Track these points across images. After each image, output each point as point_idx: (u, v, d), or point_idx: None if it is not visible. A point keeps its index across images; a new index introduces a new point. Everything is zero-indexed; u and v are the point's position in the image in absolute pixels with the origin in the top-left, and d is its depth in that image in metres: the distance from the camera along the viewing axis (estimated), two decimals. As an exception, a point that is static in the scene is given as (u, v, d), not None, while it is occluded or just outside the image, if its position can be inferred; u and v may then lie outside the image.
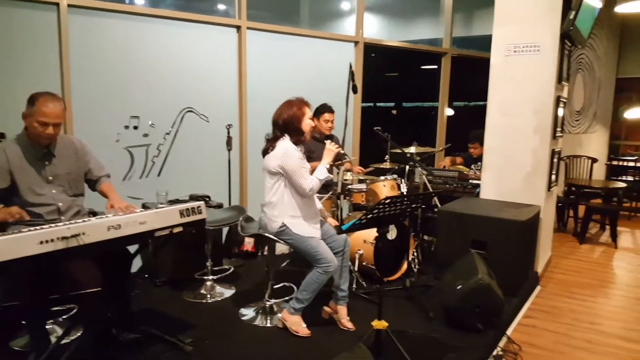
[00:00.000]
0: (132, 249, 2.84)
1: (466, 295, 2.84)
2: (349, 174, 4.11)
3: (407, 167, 4.11)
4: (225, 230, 4.24)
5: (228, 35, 4.31)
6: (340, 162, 3.34)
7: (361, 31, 5.20)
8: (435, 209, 4.02)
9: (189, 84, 4.11)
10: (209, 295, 3.41)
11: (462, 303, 2.85)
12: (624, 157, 7.63)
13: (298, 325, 2.81)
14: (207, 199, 3.91)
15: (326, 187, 3.90)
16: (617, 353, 2.91)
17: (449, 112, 6.35)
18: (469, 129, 4.95)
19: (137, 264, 3.83)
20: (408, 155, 4.06)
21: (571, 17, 3.52)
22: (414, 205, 2.55)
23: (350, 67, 3.50)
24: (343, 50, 5.12)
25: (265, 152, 2.86)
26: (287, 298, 3.13)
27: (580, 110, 7.26)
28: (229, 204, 4.20)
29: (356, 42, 5.20)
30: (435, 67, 6.12)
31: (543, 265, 4.29)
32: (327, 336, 2.80)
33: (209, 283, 3.49)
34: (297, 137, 2.84)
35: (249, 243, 4.35)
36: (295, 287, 3.26)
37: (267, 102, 2.90)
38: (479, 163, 4.46)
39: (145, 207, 3.27)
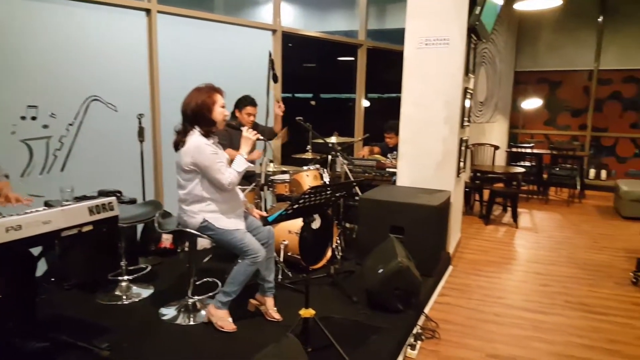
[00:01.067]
0: (36, 251, 2.60)
1: (387, 278, 2.96)
2: (271, 164, 4.09)
3: (329, 157, 4.17)
4: (140, 227, 4.03)
5: (137, 18, 4.08)
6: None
7: (279, 19, 5.16)
8: (356, 197, 4.13)
9: (95, 71, 3.84)
10: (124, 297, 3.23)
11: (383, 286, 2.97)
12: (522, 144, 8.34)
13: (224, 321, 2.75)
14: (119, 195, 3.69)
15: (249, 178, 3.85)
16: (520, 323, 3.19)
17: (365, 103, 6.53)
18: (384, 120, 5.14)
19: (42, 267, 3.52)
20: (329, 145, 4.12)
21: (477, 12, 3.76)
22: (337, 195, 2.59)
23: (270, 55, 3.46)
24: (261, 39, 5.06)
25: (176, 146, 2.72)
26: (211, 294, 3.05)
27: (483, 101, 7.80)
28: (144, 199, 3.99)
29: (274, 31, 5.15)
30: (352, 58, 6.25)
31: (454, 246, 4.58)
32: (255, 329, 2.78)
33: (124, 284, 3.30)
34: (208, 127, 2.69)
35: (167, 240, 4.18)
36: (219, 282, 3.19)
37: (182, 90, 2.76)
38: (395, 152, 4.65)
39: (48, 205, 3.00)
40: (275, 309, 2.91)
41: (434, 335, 2.97)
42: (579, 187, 7.47)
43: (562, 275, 4.12)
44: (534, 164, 7.76)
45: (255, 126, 4.11)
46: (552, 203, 7.28)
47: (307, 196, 2.26)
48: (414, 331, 2.96)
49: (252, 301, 2.98)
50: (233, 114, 4.07)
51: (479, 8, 3.74)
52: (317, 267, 3.78)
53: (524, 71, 8.83)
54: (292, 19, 6.18)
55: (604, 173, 8.36)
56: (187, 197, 2.72)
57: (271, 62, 3.44)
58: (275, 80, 3.48)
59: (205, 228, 2.72)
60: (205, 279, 3.31)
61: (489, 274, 4.16)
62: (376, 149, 5.32)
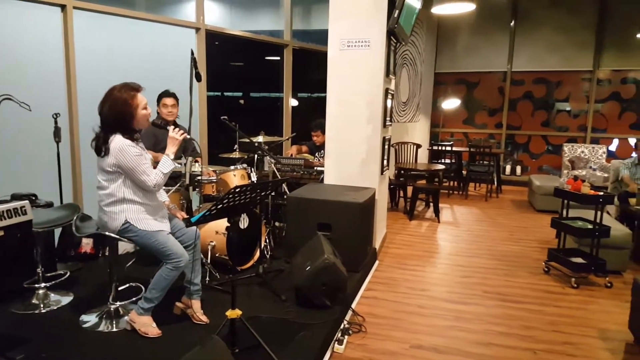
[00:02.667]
0: None
1: (314, 274, 2.99)
2: (197, 164, 3.99)
3: (256, 156, 4.14)
4: (58, 231, 3.79)
5: (51, 14, 3.84)
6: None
7: (202, 18, 5.05)
8: (284, 196, 4.14)
9: (5, 69, 3.58)
10: (42, 305, 3.02)
11: (310, 282, 3.00)
12: (442, 142, 8.76)
13: (147, 326, 2.65)
14: (34, 198, 3.44)
15: (174, 178, 3.73)
16: (443, 314, 3.34)
17: (294, 102, 6.56)
18: (313, 119, 5.19)
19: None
20: (256, 144, 4.09)
21: (395, 15, 3.89)
22: (263, 193, 2.58)
23: (192, 53, 3.37)
24: (185, 37, 4.92)
25: (99, 152, 2.56)
26: (134, 299, 2.93)
27: (406, 102, 8.10)
28: (61, 202, 3.76)
29: (197, 29, 5.03)
30: (278, 58, 6.25)
31: (380, 242, 4.72)
32: (181, 333, 2.70)
33: (41, 291, 3.09)
34: (131, 134, 2.57)
35: (87, 244, 3.95)
36: (143, 287, 3.07)
37: (102, 89, 2.62)
38: (322, 151, 4.71)
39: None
40: (202, 311, 2.84)
41: (360, 329, 3.04)
42: (496, 182, 7.98)
43: (481, 266, 4.38)
44: (454, 161, 8.18)
45: (176, 126, 4.00)
46: (471, 198, 7.71)
47: (231, 195, 2.23)
48: (342, 326, 3.01)
49: (178, 304, 2.89)
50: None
51: (397, 12, 3.87)
52: (245, 267, 3.74)
53: (444, 72, 9.28)
54: (217, 17, 6.07)
55: (518, 169, 8.98)
56: (108, 198, 2.58)
57: (194, 60, 3.35)
58: (199, 79, 3.39)
59: (127, 230, 2.59)
60: (128, 284, 3.17)
61: (414, 267, 4.32)
62: (304, 148, 5.36)
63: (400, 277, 4.04)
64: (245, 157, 4.34)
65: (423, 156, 8.61)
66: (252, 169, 4.10)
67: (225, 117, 3.93)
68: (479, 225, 5.91)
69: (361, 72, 4.12)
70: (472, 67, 9.03)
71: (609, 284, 3.87)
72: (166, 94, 3.96)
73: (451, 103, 9.03)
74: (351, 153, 4.27)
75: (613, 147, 8.36)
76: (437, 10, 5.56)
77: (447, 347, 2.85)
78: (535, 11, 8.51)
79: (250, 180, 4.07)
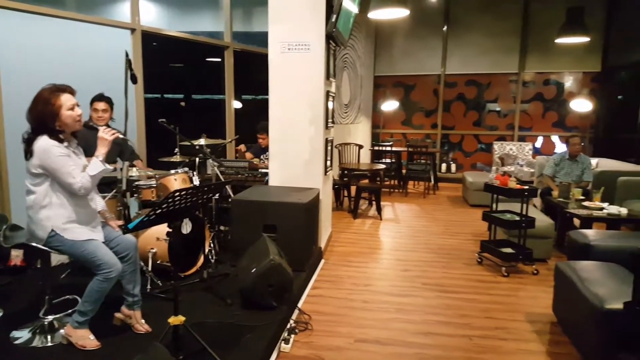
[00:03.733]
0: None
1: (260, 276, 3.01)
2: (135, 169, 3.88)
3: (198, 159, 4.09)
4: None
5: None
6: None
7: (137, 18, 4.91)
8: (229, 199, 4.12)
9: None
10: (-34, 324, 2.82)
11: (256, 284, 3.02)
12: (383, 143, 9.02)
13: (85, 339, 2.55)
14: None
15: (110, 184, 3.61)
16: (386, 307, 3.47)
17: (237, 104, 6.52)
18: (258, 121, 5.19)
19: None
20: (197, 147, 4.04)
21: (333, 19, 3.99)
22: (205, 197, 2.56)
23: (127, 55, 3.28)
24: (119, 38, 4.77)
25: (26, 156, 2.45)
26: (69, 311, 2.81)
27: (347, 104, 8.28)
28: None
29: (133, 30, 4.89)
30: (219, 60, 6.19)
31: (325, 241, 4.81)
32: (121, 343, 2.62)
33: (-35, 309, 2.89)
34: (56, 135, 2.46)
35: (17, 257, 3.72)
36: (79, 299, 2.94)
37: (31, 92, 2.50)
38: (268, 153, 4.72)
39: None
40: (143, 321, 2.77)
41: (307, 327, 3.09)
42: (432, 180, 8.32)
43: (420, 260, 4.57)
44: (394, 160, 8.44)
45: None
46: (411, 195, 8.00)
47: (170, 200, 2.21)
48: (288, 325, 3.05)
49: (118, 315, 2.80)
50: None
51: (335, 16, 3.97)
52: (189, 273, 3.69)
53: (382, 75, 9.56)
54: (154, 18, 5.92)
55: (453, 166, 9.42)
56: (35, 204, 2.46)
57: (128, 62, 3.27)
58: (134, 81, 3.31)
59: (54, 240, 2.47)
60: (65, 297, 3.03)
61: (358, 264, 4.44)
62: (248, 155, 5.37)
63: (345, 274, 4.14)
64: (187, 160, 4.27)
65: (365, 156, 8.82)
66: (194, 173, 4.04)
67: (164, 119, 3.85)
68: (418, 221, 6.15)
69: (302, 75, 4.18)
70: (408, 70, 9.37)
71: (535, 271, 4.17)
72: (98, 98, 3.83)
73: (390, 105, 9.32)
74: (295, 154, 4.32)
75: (538, 144, 8.97)
76: (374, 15, 5.73)
77: (389, 338, 2.96)
78: (466, 17, 8.97)
79: (192, 184, 4.01)
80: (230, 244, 4.21)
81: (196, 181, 3.99)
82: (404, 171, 8.21)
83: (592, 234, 3.77)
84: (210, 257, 3.92)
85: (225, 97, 6.21)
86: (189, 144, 4.04)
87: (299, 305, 3.42)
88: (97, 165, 2.50)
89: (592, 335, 2.60)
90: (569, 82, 8.76)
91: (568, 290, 2.94)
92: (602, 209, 4.52)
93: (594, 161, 6.91)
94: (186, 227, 3.62)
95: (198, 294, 3.36)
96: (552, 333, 3.08)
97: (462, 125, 9.36)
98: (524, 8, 8.64)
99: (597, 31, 8.20)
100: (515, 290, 3.80)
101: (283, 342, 2.86)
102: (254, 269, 3.05)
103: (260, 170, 4.82)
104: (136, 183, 3.79)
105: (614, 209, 4.49)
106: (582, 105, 8.31)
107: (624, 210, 4.50)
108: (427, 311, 3.40)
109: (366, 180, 7.06)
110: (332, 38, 4.25)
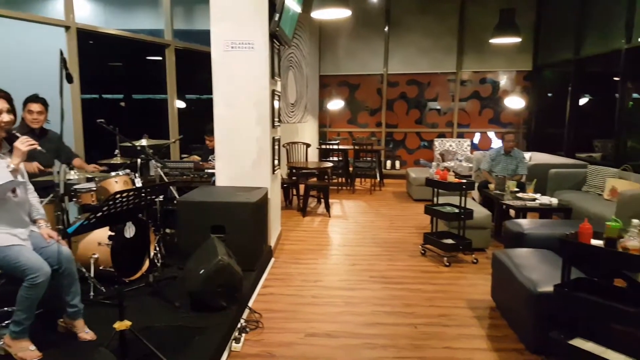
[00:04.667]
0: None
1: (208, 277, 2.98)
2: (72, 172, 3.72)
3: (139, 160, 3.99)
4: None
5: None
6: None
7: (72, 15, 4.71)
8: (174, 201, 4.04)
9: None
10: None
11: (205, 286, 2.99)
12: (330, 141, 9.13)
13: (25, 350, 2.43)
14: None
15: (46, 189, 3.45)
16: (335, 301, 3.54)
17: (180, 104, 6.40)
18: (204, 121, 5.11)
19: None
20: (139, 148, 3.94)
21: (276, 18, 4.01)
22: (147, 198, 2.51)
23: (61, 54, 3.14)
24: (53, 36, 4.55)
25: None
26: (6, 322, 2.66)
27: (294, 103, 8.31)
28: None
29: (67, 27, 4.68)
30: (160, 58, 6.05)
31: (275, 239, 4.83)
32: (65, 351, 2.52)
33: None
34: None
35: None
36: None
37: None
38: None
39: None
40: (86, 329, 2.67)
41: (258, 325, 3.10)
42: (378, 177, 8.52)
43: (367, 254, 4.68)
44: (341, 158, 8.57)
45: (44, 132, 3.74)
46: (358, 192, 8.15)
47: (111, 202, 2.16)
48: (239, 325, 3.05)
49: (61, 322, 2.70)
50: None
51: (278, 15, 4.00)
52: (135, 277, 3.59)
53: (328, 75, 9.67)
54: (90, 15, 5.69)
55: (397, 163, 9.69)
56: None
57: (63, 61, 3.13)
58: (70, 81, 3.18)
59: (-27, 248, 2.35)
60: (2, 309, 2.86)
61: (308, 261, 4.49)
62: (195, 158, 5.29)
63: (295, 272, 4.18)
64: (128, 162, 4.15)
65: (313, 155, 8.89)
66: (136, 175, 3.94)
67: (102, 120, 3.73)
68: (365, 217, 6.28)
69: (246, 74, 4.17)
70: (352, 70, 9.53)
71: (475, 260, 4.39)
72: (32, 99, 3.65)
73: (336, 104, 9.45)
74: (241, 154, 4.30)
75: (476, 140, 9.41)
76: (317, 15, 5.80)
77: (338, 331, 3.03)
78: (406, 18, 9.24)
79: (134, 187, 3.90)
80: (177, 246, 4.13)
81: (138, 183, 3.89)
82: (350, 169, 8.36)
83: (525, 223, 4.02)
84: (156, 260, 3.84)
85: (168, 97, 6.07)
86: (130, 145, 3.93)
87: (250, 304, 3.42)
88: (3, 176, 2.38)
89: (527, 317, 2.78)
90: (503, 81, 9.25)
91: (504, 276, 3.12)
92: (535, 199, 4.82)
93: (527, 155, 7.35)
94: (129, 230, 3.53)
95: (145, 298, 3.28)
96: (491, 317, 3.27)
97: (405, 123, 9.64)
98: (460, 9, 9.02)
99: (528, 31, 8.70)
100: (456, 279, 3.99)
101: (234, 341, 2.85)
102: (203, 270, 3.02)
103: (206, 170, 4.76)
104: (75, 187, 3.65)
105: (545, 200, 4.81)
106: (515, 102, 8.80)
107: (554, 200, 4.83)
108: (374, 303, 3.50)
109: (314, 179, 7.13)
110: (275, 37, 4.27)
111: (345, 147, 8.43)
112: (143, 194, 2.42)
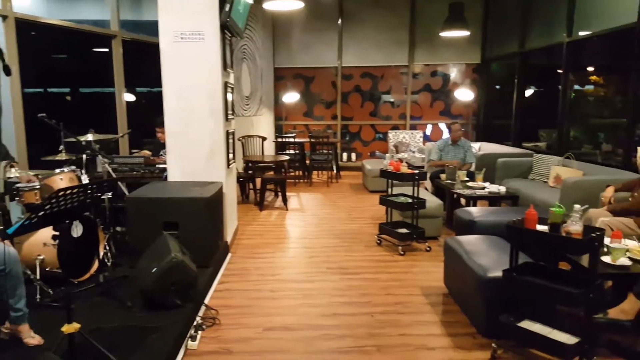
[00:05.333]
0: None
1: (161, 275, 2.91)
2: (14, 170, 3.52)
3: (85, 156, 3.82)
4: None
5: None
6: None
7: (9, 4, 4.44)
8: (124, 198, 3.91)
9: None
10: None
11: (158, 284, 2.91)
12: (286, 134, 9.09)
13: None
14: None
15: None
16: (292, 294, 3.54)
17: (129, 97, 6.20)
18: (156, 115, 4.96)
19: None
20: (83, 143, 3.78)
21: (227, 9, 3.93)
22: (93, 196, 2.42)
23: (-3, 45, 2.96)
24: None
25: None
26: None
27: (249, 96, 8.21)
28: None
29: (4, 17, 4.41)
30: (107, 50, 5.81)
31: (232, 235, 4.76)
32: (12, 357, 2.40)
33: None
34: None
35: None
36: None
37: None
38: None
39: None
40: (32, 334, 2.55)
41: (214, 322, 3.06)
42: (335, 169, 8.58)
43: (325, 246, 4.71)
44: (297, 151, 8.55)
45: None
46: (315, 185, 8.18)
47: (54, 200, 2.06)
48: (195, 323, 2.99)
49: (4, 329, 2.56)
50: None
51: (228, 5, 3.92)
52: (84, 278, 3.45)
53: (282, 67, 9.60)
54: (31, 4, 5.38)
55: (353, 155, 9.78)
56: None
57: (0, 52, 2.94)
58: (8, 74, 2.99)
59: None
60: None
61: (265, 255, 4.46)
62: (146, 153, 5.12)
63: (252, 266, 4.14)
64: (74, 158, 3.97)
65: (270, 148, 8.83)
66: (82, 171, 3.78)
67: (44, 114, 3.54)
68: (322, 209, 6.32)
69: (197, 65, 4.08)
70: (307, 62, 9.51)
71: (428, 248, 4.51)
72: None
73: (291, 97, 9.41)
74: (195, 148, 4.21)
75: (428, 132, 9.63)
76: (268, 6, 5.73)
77: (296, 323, 3.04)
78: (359, 11, 9.30)
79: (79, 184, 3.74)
80: (128, 245, 4.00)
81: (85, 180, 3.73)
82: (307, 162, 8.36)
83: (475, 211, 4.16)
84: (106, 260, 3.70)
85: (115, 90, 5.85)
86: (75, 140, 3.76)
87: (206, 301, 3.37)
88: None
89: (478, 301, 2.88)
90: (453, 73, 9.50)
91: (455, 263, 3.22)
92: (484, 188, 5.00)
93: (476, 145, 7.61)
94: (76, 230, 3.38)
95: (95, 299, 3.16)
96: (444, 303, 3.37)
97: (360, 115, 9.74)
98: (411, 2, 9.16)
99: (476, 25, 8.97)
100: (410, 267, 4.08)
101: (190, 339, 2.80)
102: (155, 269, 2.94)
103: (158, 165, 4.62)
104: (17, 185, 3.45)
105: (494, 188, 5.00)
106: (465, 94, 9.06)
107: (502, 188, 5.02)
108: (331, 294, 3.53)
109: (271, 172, 7.08)
110: (227, 28, 4.19)
111: (302, 140, 8.42)
112: (88, 192, 2.32)
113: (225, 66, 4.29)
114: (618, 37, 5.54)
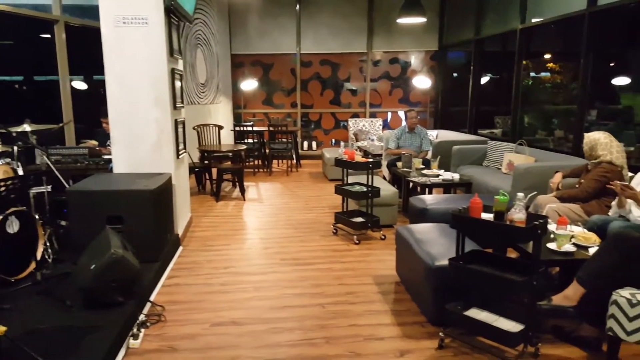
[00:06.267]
0: None
1: (101, 272, 2.76)
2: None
3: (16, 148, 3.60)
4: None
5: None
6: None
7: None
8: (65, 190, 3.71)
9: None
10: None
11: (97, 282, 2.77)
12: (245, 123, 8.91)
13: None
14: None
15: None
16: (244, 287, 3.45)
17: (81, 85, 5.95)
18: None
19: None
20: (14, 134, 3.55)
21: (171, -8, 3.76)
22: (25, 189, 2.25)
23: None
24: None
25: None
26: None
27: (205, 83, 7.99)
28: None
29: None
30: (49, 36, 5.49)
31: (184, 227, 4.62)
32: None
33: None
34: None
35: None
36: None
37: None
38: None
39: None
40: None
41: (160, 319, 2.95)
42: (295, 158, 8.49)
43: (280, 236, 4.64)
44: (256, 140, 8.41)
45: None
46: (275, 174, 8.07)
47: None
48: (138, 320, 2.87)
49: None
50: None
51: (172, -12, 3.75)
52: (22, 276, 3.26)
53: (240, 54, 9.37)
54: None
55: (314, 144, 9.71)
56: None
57: None
58: None
59: None
60: None
61: (219, 247, 4.35)
62: (92, 143, 4.89)
63: (204, 259, 4.03)
64: (10, 150, 3.73)
65: (229, 137, 8.64)
66: (19, 163, 3.56)
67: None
68: (280, 199, 6.23)
69: (141, 51, 3.89)
70: (265, 49, 9.32)
71: (383, 237, 4.51)
72: None
73: (250, 84, 9.21)
74: (140, 137, 4.03)
75: (388, 120, 9.66)
76: (222, -10, 5.55)
77: (246, 318, 2.96)
78: (317, -4, 9.17)
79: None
80: (71, 240, 3.81)
81: (21, 172, 3.52)
82: (267, 151, 8.23)
83: (428, 199, 4.18)
84: (47, 256, 3.51)
85: (59, 78, 5.54)
86: (5, 131, 3.53)
87: (152, 297, 3.25)
88: None
89: (426, 290, 2.88)
90: (411, 61, 9.52)
91: (406, 251, 3.22)
92: (438, 175, 5.03)
93: (434, 132, 7.68)
94: (13, 225, 3.19)
95: (32, 299, 2.99)
96: (395, 292, 3.37)
97: (320, 103, 9.65)
98: (369, -11, 9.10)
99: (433, 12, 9.00)
100: (365, 256, 4.07)
101: (132, 338, 2.69)
102: (94, 265, 2.80)
103: (103, 157, 4.42)
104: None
105: (448, 175, 5.04)
106: (423, 82, 9.12)
107: (456, 176, 5.06)
108: (283, 285, 3.47)
109: (228, 162, 6.93)
110: (172, 12, 4.01)
111: (260, 129, 8.27)
112: (18, 184, 2.16)
113: (172, 52, 4.11)
114: (569, 24, 5.66)
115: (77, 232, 3.56)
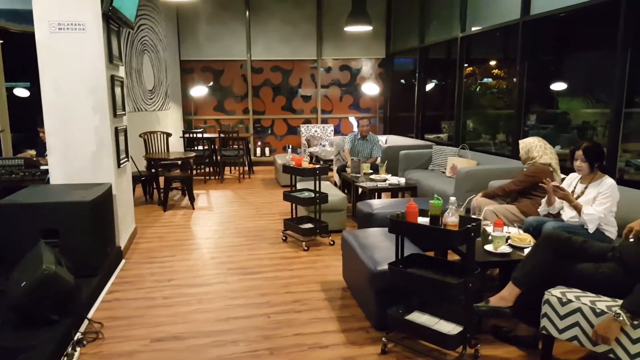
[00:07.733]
0: None
1: (32, 289, 2.63)
2: None
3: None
4: None
5: None
6: None
7: None
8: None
9: None
10: None
11: (28, 299, 2.64)
12: (196, 129, 8.75)
13: None
14: None
15: None
16: (187, 300, 3.36)
17: (23, 92, 5.72)
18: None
19: None
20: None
21: (108, -2, 3.65)
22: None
23: None
24: None
25: None
26: None
27: (152, 89, 7.80)
28: None
29: None
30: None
31: (127, 239, 4.47)
32: None
33: None
34: None
35: None
36: None
37: None
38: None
39: None
40: None
41: (97, 336, 2.84)
42: (247, 164, 8.41)
43: (228, 245, 4.58)
44: (206, 147, 8.27)
45: None
46: (226, 182, 7.97)
47: None
48: (74, 338, 2.75)
49: None
50: None
51: (108, -6, 3.64)
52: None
53: (190, 60, 9.21)
54: None
55: (267, 150, 9.66)
56: None
57: None
58: None
59: None
60: None
61: (164, 259, 4.24)
62: (31, 152, 4.67)
63: (148, 272, 3.92)
64: None
65: (178, 145, 8.45)
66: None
67: None
68: (230, 207, 6.16)
69: (78, 58, 3.76)
70: (215, 55, 9.21)
71: (332, 242, 4.54)
72: None
73: (200, 90, 9.06)
74: (78, 146, 3.89)
75: (339, 126, 9.75)
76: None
77: (187, 332, 2.89)
78: (266, 3, 9.15)
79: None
80: (2, 256, 3.61)
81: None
82: (218, 158, 8.11)
83: (375, 204, 4.25)
84: (-25, 274, 3.30)
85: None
86: None
87: (90, 313, 3.12)
88: None
89: (370, 295, 2.92)
90: (360, 68, 9.68)
91: (351, 256, 3.25)
92: (385, 180, 5.12)
93: (384, 137, 7.82)
94: None
95: (-45, 321, 2.81)
96: (342, 298, 3.39)
97: (272, 109, 9.63)
98: (317, -4, 9.18)
99: (380, 21, 9.19)
100: (313, 263, 4.08)
101: (65, 358, 2.57)
102: (24, 282, 2.66)
103: (41, 167, 4.22)
104: None
105: (394, 180, 5.14)
106: (372, 88, 9.27)
107: (402, 180, 5.18)
108: (228, 296, 3.42)
109: (177, 170, 6.78)
110: (111, 18, 3.89)
111: (211, 136, 8.14)
112: None
113: (111, 59, 3.99)
114: (505, 33, 5.93)
115: (10, 247, 3.37)
